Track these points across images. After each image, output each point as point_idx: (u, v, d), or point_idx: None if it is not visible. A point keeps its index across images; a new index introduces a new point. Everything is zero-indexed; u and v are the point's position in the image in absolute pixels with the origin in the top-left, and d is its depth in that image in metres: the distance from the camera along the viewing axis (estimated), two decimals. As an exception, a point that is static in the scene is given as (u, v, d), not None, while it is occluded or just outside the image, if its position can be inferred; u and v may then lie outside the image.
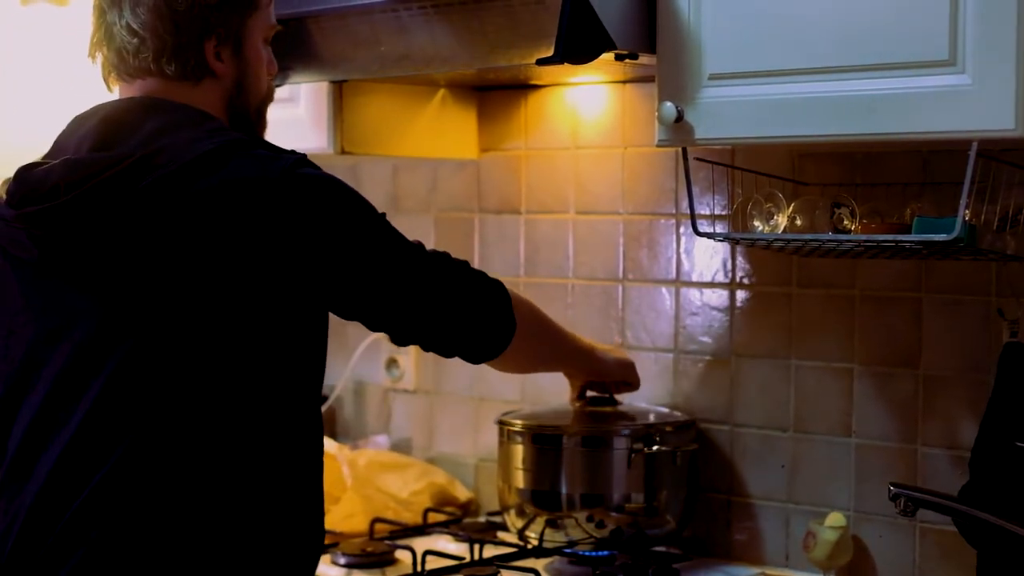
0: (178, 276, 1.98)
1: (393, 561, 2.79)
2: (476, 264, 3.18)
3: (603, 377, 2.71)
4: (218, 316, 1.99)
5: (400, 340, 2.21)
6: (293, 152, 2.09)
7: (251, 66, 2.20)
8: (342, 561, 2.78)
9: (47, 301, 2.06)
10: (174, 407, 1.99)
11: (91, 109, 2.13)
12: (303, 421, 2.13)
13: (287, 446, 2.09)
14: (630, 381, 2.73)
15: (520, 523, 2.76)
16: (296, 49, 2.69)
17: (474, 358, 2.27)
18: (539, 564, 2.71)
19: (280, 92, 2.80)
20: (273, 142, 2.99)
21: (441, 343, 2.22)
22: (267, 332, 2.03)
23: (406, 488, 3.08)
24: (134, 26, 2.11)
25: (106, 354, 2.00)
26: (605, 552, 2.70)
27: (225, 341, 2.00)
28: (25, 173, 2.05)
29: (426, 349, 2.23)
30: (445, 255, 2.22)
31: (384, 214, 2.16)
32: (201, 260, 1.97)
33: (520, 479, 2.74)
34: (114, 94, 2.20)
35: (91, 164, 2.00)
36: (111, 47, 2.15)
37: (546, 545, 2.73)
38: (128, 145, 2.03)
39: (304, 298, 2.06)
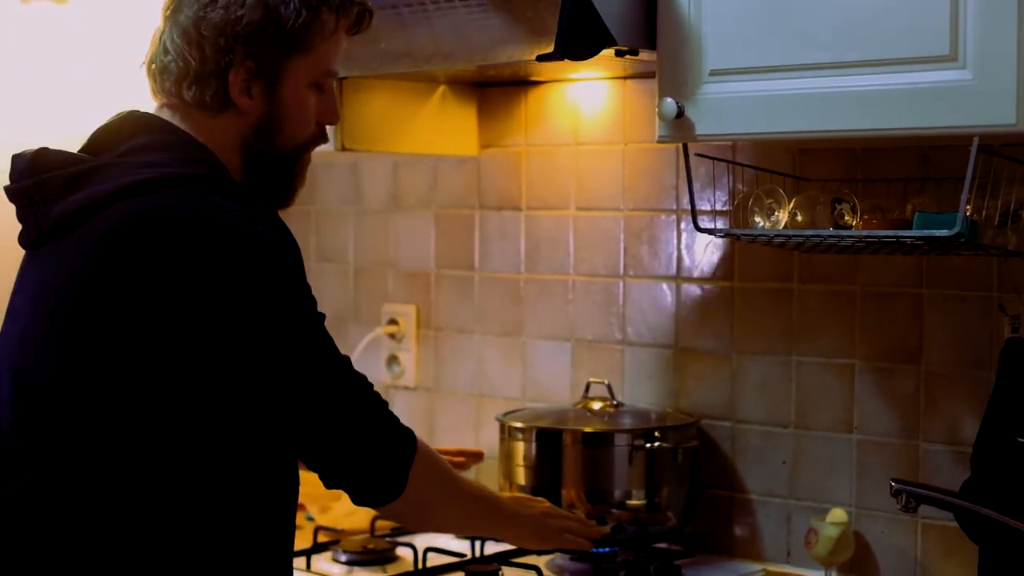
0: (91, 299, 1.87)
1: (394, 558, 2.79)
2: (476, 263, 3.18)
3: (529, 546, 2.40)
4: (126, 347, 1.86)
5: (276, 449, 2.00)
6: (262, 209, 1.96)
7: (286, 108, 2.04)
8: (343, 558, 2.78)
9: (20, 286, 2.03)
10: (91, 434, 1.88)
11: (118, 113, 2.07)
12: (244, 479, 1.96)
13: (214, 502, 1.93)
14: (549, 544, 2.40)
15: (521, 520, 2.75)
16: (296, 46, 2.68)
17: (354, 498, 2.06)
18: (540, 561, 2.70)
19: (280, 89, 2.81)
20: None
21: (321, 468, 2.01)
22: (175, 373, 1.87)
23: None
24: (168, 45, 2.02)
25: (32, 362, 1.94)
26: (607, 549, 2.69)
27: (136, 376, 1.87)
28: (24, 153, 2.01)
29: (308, 466, 2.04)
30: (366, 383, 2.03)
31: (322, 315, 1.99)
32: (108, 288, 1.87)
33: (521, 476, 2.74)
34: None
35: (52, 159, 1.97)
36: (154, 62, 2.05)
37: (547, 542, 2.73)
38: (109, 154, 1.97)
39: (206, 352, 1.88)
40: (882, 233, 2.26)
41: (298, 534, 3.00)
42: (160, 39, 2.04)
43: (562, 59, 2.26)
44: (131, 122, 2.02)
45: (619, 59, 2.41)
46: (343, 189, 3.49)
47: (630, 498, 2.69)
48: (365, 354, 3.37)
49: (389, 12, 2.51)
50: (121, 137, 1.99)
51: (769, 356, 2.73)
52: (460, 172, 3.22)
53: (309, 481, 3.00)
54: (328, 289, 3.53)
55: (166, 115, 2.04)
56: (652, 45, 2.33)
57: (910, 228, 2.24)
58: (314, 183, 3.55)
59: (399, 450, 2.02)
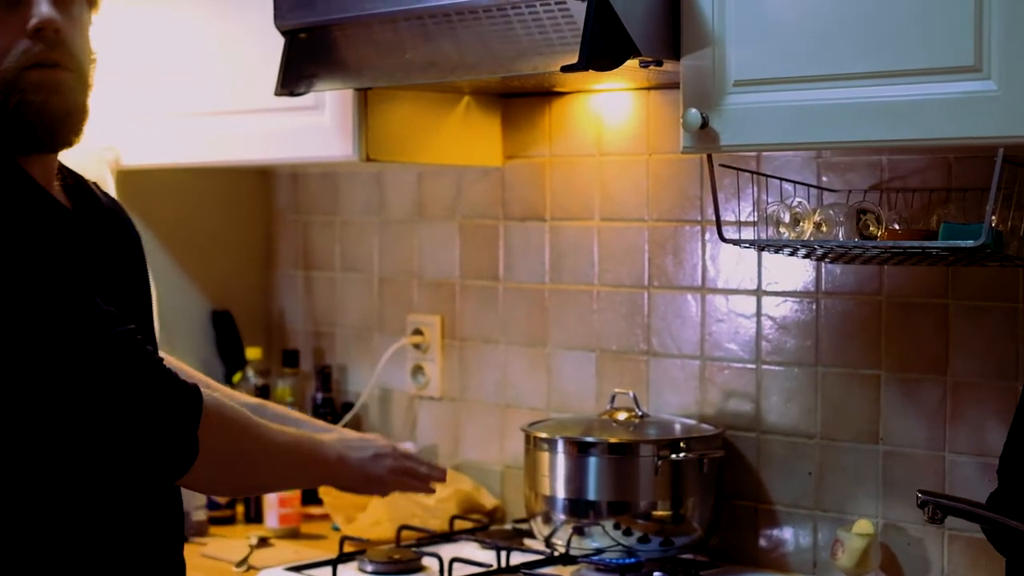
0: None
1: (420, 568, 2.79)
2: (501, 274, 3.18)
3: (351, 491, 2.28)
4: None
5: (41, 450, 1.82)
6: None
7: None
8: (369, 568, 2.78)
9: None
10: None
11: None
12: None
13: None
14: (380, 490, 2.26)
15: (547, 530, 2.76)
16: (321, 57, 2.69)
17: (150, 477, 1.89)
18: (566, 571, 2.71)
19: (305, 100, 2.83)
20: (287, 149, 3.00)
21: (103, 451, 1.81)
22: None
23: (432, 495, 3.08)
24: None
25: None
26: (632, 559, 2.69)
27: None
28: None
29: (86, 456, 1.84)
30: (136, 341, 1.81)
31: (63, 270, 1.78)
32: None
33: (547, 486, 2.74)
34: None
35: None
36: None
37: (573, 552, 2.73)
38: None
39: None
40: (907, 244, 2.25)
41: (324, 544, 3.04)
42: None
43: (587, 70, 2.26)
44: None
45: (643, 70, 2.41)
46: (367, 199, 3.49)
47: (655, 509, 2.68)
48: (390, 364, 3.37)
49: (414, 23, 2.51)
50: None
51: (795, 366, 2.72)
52: (484, 182, 3.23)
53: (334, 492, 3.01)
54: (353, 299, 3.54)
55: None
56: (676, 56, 2.33)
57: (935, 239, 2.23)
58: (338, 193, 3.56)
59: (181, 408, 1.82)
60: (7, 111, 1.85)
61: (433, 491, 2.27)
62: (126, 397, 1.78)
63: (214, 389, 2.21)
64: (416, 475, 2.25)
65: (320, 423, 2.39)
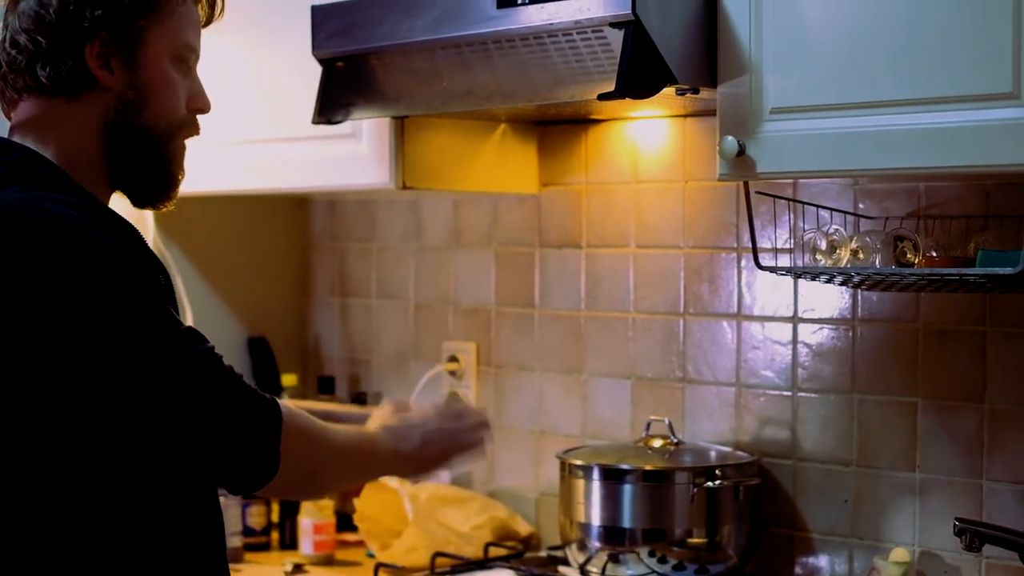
0: None
1: (455, 595, 2.80)
2: (536, 300, 3.19)
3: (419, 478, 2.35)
4: None
5: (132, 456, 1.87)
6: (52, 194, 1.84)
7: (151, 81, 1.96)
8: (404, 595, 2.78)
9: None
10: None
11: None
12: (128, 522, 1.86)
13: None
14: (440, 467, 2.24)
15: (582, 558, 2.75)
16: (358, 85, 2.71)
17: (228, 488, 1.94)
18: (602, 600, 2.70)
19: (342, 128, 2.84)
20: (325, 177, 3.00)
21: (189, 463, 1.88)
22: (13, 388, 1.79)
23: (467, 522, 3.08)
24: (15, 37, 1.94)
25: None
26: (669, 583, 2.69)
27: None
28: None
29: (172, 464, 1.90)
30: (216, 358, 1.87)
31: (152, 289, 1.84)
32: None
33: (582, 514, 2.74)
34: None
35: None
36: (3, 59, 1.97)
37: (608, 580, 2.73)
38: None
39: (27, 363, 1.78)
40: (944, 271, 2.25)
41: (359, 571, 3.04)
42: (5, 38, 1.96)
43: (623, 98, 2.27)
44: None
45: (679, 97, 2.42)
46: (404, 226, 3.50)
47: (691, 536, 2.68)
48: (426, 390, 3.38)
49: (451, 52, 2.53)
50: None
51: (831, 394, 2.72)
52: (520, 210, 3.24)
53: (369, 517, 3.02)
54: (389, 326, 3.55)
55: (21, 120, 1.96)
56: (713, 83, 2.33)
57: (973, 266, 2.23)
58: (375, 220, 3.57)
59: (263, 423, 1.88)
60: (147, 165, 1.99)
61: (485, 455, 2.27)
62: (212, 412, 1.84)
63: None
64: (466, 442, 2.21)
65: (354, 410, 2.39)
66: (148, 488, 1.88)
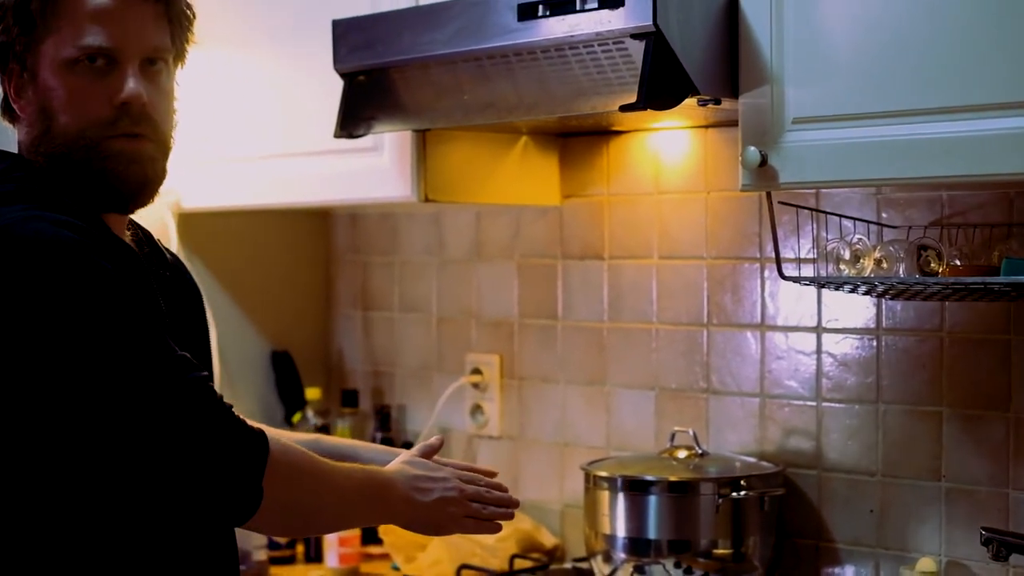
0: None
1: (480, 608, 2.80)
2: (559, 312, 3.19)
3: (426, 534, 2.21)
4: None
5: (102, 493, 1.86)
6: (48, 213, 1.83)
7: (51, 95, 1.93)
8: (429, 608, 2.78)
9: None
10: None
11: None
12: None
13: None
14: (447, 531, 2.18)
15: (607, 569, 2.75)
16: (380, 99, 2.72)
17: (214, 520, 1.95)
18: (627, 611, 2.70)
19: (363, 142, 2.85)
20: (346, 190, 3.00)
21: (167, 494, 1.86)
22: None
23: (493, 535, 3.08)
24: None
25: None
26: (693, 598, 2.69)
27: None
28: None
29: (153, 496, 1.88)
30: (207, 388, 1.85)
31: (147, 313, 1.84)
32: None
33: (607, 525, 2.73)
34: None
35: None
36: None
37: (633, 591, 2.73)
38: None
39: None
40: (969, 280, 2.24)
41: (384, 584, 3.04)
42: None
43: (645, 109, 2.27)
44: None
45: (701, 108, 2.42)
46: (426, 239, 3.51)
47: (716, 547, 2.67)
48: (449, 403, 3.38)
49: (472, 65, 2.53)
50: None
51: (856, 403, 2.71)
52: (542, 222, 3.24)
53: (393, 531, 3.02)
54: (411, 339, 3.55)
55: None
56: (734, 94, 2.33)
57: (997, 275, 2.23)
58: (397, 233, 3.58)
59: (247, 455, 1.84)
60: (91, 174, 1.93)
61: (499, 529, 2.21)
62: (195, 441, 1.81)
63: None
64: (481, 517, 2.17)
65: (379, 448, 2.38)
66: (139, 513, 1.88)
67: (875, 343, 2.69)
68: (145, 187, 1.98)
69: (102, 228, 1.91)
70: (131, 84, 1.94)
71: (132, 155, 1.95)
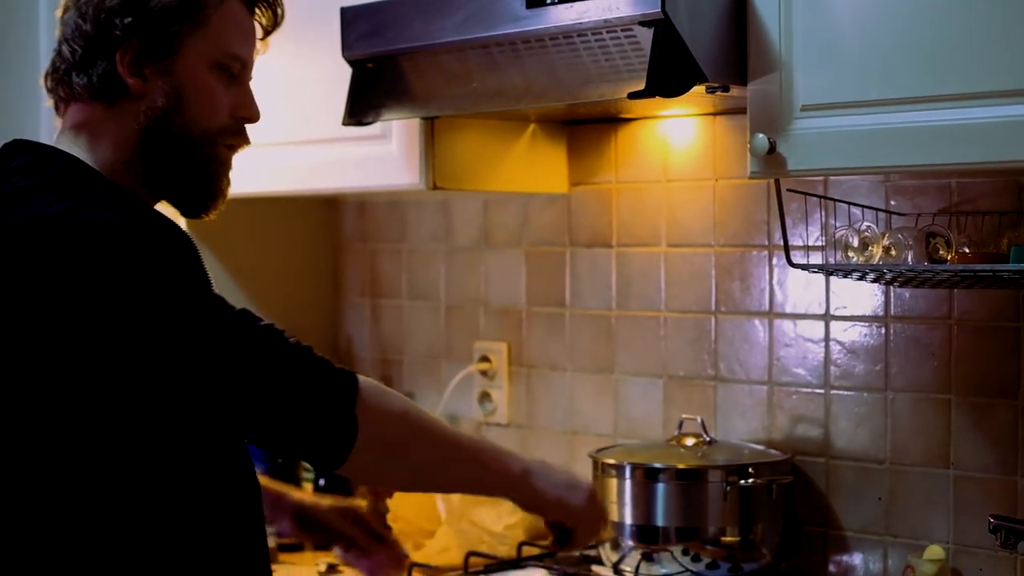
0: None
1: (488, 595, 2.80)
2: (567, 300, 3.19)
3: (537, 511, 2.15)
4: (22, 373, 1.83)
5: (217, 445, 1.92)
6: (101, 199, 1.86)
7: (186, 90, 1.98)
8: (437, 595, 2.79)
9: None
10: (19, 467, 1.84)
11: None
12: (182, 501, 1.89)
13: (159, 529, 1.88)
14: (575, 527, 2.15)
15: (615, 557, 2.75)
16: (388, 86, 2.72)
17: (312, 464, 1.94)
18: (634, 598, 2.70)
19: (372, 129, 2.85)
20: (355, 178, 3.01)
21: (267, 440, 1.88)
22: (66, 387, 1.82)
23: (500, 522, 3.08)
24: (60, 45, 1.99)
25: None
26: (703, 583, 2.69)
27: (38, 399, 1.83)
28: None
29: (253, 444, 1.93)
30: (277, 333, 1.87)
31: (202, 282, 1.88)
32: None
33: (615, 513, 2.73)
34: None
35: None
36: (48, 74, 2.02)
37: (641, 579, 2.73)
38: None
39: (93, 357, 1.81)
40: (978, 267, 2.24)
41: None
42: (55, 49, 2.01)
43: (653, 96, 2.27)
44: (4, 152, 1.99)
45: (709, 95, 2.41)
46: (434, 227, 3.51)
47: (724, 535, 2.67)
48: (457, 391, 3.38)
49: (480, 52, 2.53)
50: None
51: (864, 391, 2.71)
52: (550, 209, 3.24)
53: (402, 517, 3.02)
54: (420, 327, 3.55)
55: (65, 128, 2.00)
56: (743, 81, 2.33)
57: (1006, 262, 2.22)
58: (405, 221, 3.58)
59: (337, 390, 1.86)
60: (194, 171, 2.02)
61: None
62: (285, 384, 1.83)
63: None
64: (597, 521, 2.18)
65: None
66: (204, 482, 1.91)
67: (883, 331, 2.69)
68: (224, 197, 2.09)
69: (144, 206, 1.94)
70: (256, 105, 2.07)
71: (230, 165, 2.07)
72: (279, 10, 2.11)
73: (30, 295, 1.80)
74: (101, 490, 1.85)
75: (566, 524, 2.13)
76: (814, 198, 2.61)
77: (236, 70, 2.04)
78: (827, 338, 2.76)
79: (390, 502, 3.05)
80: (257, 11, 2.08)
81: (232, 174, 2.09)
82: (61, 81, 2.00)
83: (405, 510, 3.06)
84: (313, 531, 2.39)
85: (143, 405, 1.84)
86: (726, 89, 2.35)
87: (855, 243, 2.44)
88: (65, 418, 1.83)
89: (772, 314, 2.85)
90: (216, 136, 2.02)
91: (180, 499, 1.89)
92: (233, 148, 2.07)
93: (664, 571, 2.69)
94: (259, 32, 2.10)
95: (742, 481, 2.65)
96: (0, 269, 1.82)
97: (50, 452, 1.83)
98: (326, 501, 2.41)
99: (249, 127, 2.09)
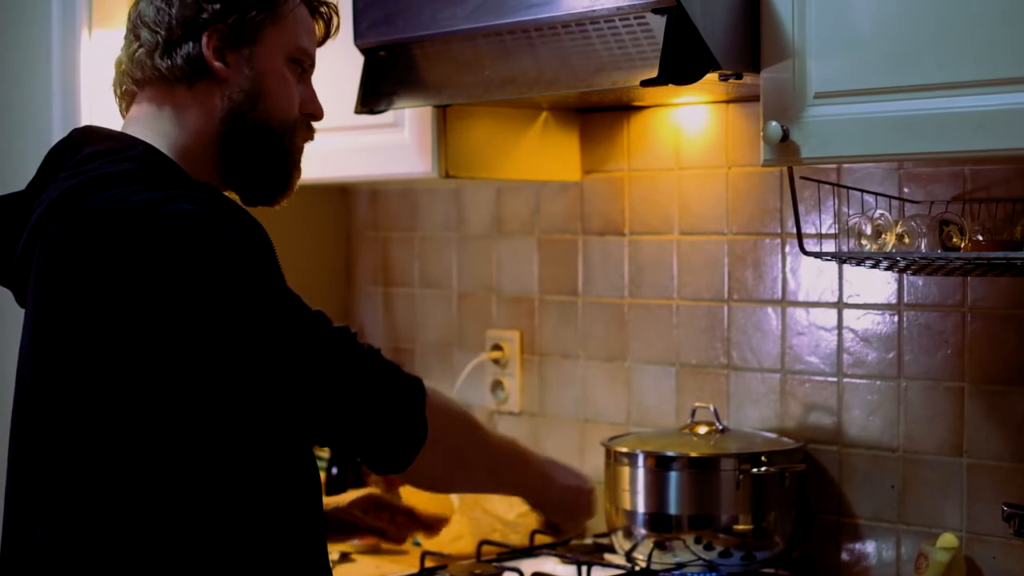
0: (62, 317, 1.86)
1: (501, 583, 2.80)
2: (580, 288, 3.19)
3: (546, 513, 2.39)
4: (102, 361, 1.84)
5: (285, 441, 1.95)
6: (187, 190, 1.88)
7: (267, 79, 2.04)
8: (450, 583, 2.79)
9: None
10: (95, 460, 1.86)
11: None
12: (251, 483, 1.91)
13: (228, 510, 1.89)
14: (573, 518, 2.38)
15: (628, 545, 2.75)
16: (401, 74, 2.71)
17: (376, 466, 1.97)
18: (647, 586, 2.70)
19: (384, 117, 2.85)
20: (367, 166, 3.01)
21: (338, 441, 1.95)
22: (157, 378, 1.84)
23: (513, 510, 3.09)
24: (138, 32, 2.03)
25: (30, 404, 1.93)
26: (713, 574, 2.68)
27: (117, 389, 1.84)
28: None
29: (320, 444, 2.02)
30: (351, 336, 1.93)
31: (280, 278, 1.90)
32: (70, 300, 1.85)
33: (627, 501, 2.74)
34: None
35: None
36: (123, 60, 2.06)
37: (654, 567, 2.73)
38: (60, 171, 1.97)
39: (171, 348, 1.83)
40: (991, 255, 2.23)
41: (405, 559, 3.05)
42: (129, 33, 2.05)
43: (666, 84, 2.27)
44: (74, 140, 2.02)
45: (722, 83, 2.41)
46: (446, 215, 3.51)
47: (737, 523, 2.67)
48: (470, 379, 3.38)
49: (493, 40, 2.52)
50: (66, 157, 1.99)
51: (877, 379, 2.71)
52: (563, 197, 3.23)
53: (416, 506, 3.02)
54: (432, 315, 3.55)
55: (137, 114, 2.04)
56: (756, 68, 2.33)
57: (1019, 249, 2.22)
58: (417, 209, 3.58)
59: (408, 394, 1.93)
60: (271, 157, 2.08)
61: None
62: (357, 386, 1.89)
63: None
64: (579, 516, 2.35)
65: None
66: (269, 477, 1.93)
67: (896, 318, 2.68)
68: (293, 190, 2.16)
69: (222, 197, 1.95)
70: (319, 100, 2.13)
71: (301, 155, 2.14)
72: (335, 20, 2.19)
73: (115, 283, 1.82)
74: (163, 478, 1.86)
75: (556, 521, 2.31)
76: (827, 186, 2.60)
77: (307, 66, 2.11)
78: (840, 326, 2.76)
79: (402, 490, 3.06)
80: (318, 18, 2.15)
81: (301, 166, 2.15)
82: (139, 65, 2.03)
83: (418, 498, 3.06)
84: (339, 531, 2.43)
85: (217, 398, 1.86)
86: (739, 76, 2.35)
87: (868, 231, 2.44)
88: (140, 406, 1.84)
89: (785, 302, 2.84)
90: (291, 128, 2.09)
91: (245, 494, 1.90)
92: (303, 141, 2.14)
93: (677, 559, 2.69)
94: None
95: (755, 469, 2.65)
96: (85, 254, 1.84)
97: (124, 439, 1.85)
98: (345, 498, 2.45)
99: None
